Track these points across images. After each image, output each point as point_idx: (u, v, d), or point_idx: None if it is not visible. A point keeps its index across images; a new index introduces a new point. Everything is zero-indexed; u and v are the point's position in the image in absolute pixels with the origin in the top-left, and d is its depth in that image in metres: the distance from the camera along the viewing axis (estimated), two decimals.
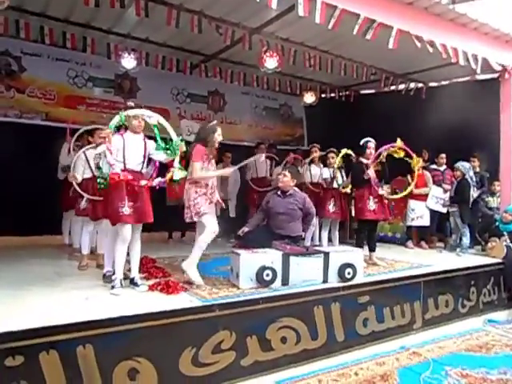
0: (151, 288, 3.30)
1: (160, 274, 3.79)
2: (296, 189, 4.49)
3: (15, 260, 4.45)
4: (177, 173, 3.31)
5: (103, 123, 4.04)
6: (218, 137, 3.60)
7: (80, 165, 4.15)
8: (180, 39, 5.95)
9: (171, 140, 3.38)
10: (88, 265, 4.21)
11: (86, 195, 4.07)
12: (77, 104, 6.49)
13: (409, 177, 6.25)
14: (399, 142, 4.69)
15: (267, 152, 6.68)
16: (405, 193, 5.04)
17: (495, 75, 5.95)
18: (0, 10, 3.88)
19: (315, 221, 5.50)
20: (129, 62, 5.75)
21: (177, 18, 4.74)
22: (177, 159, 3.38)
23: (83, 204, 4.19)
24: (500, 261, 5.12)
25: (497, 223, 5.52)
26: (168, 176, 3.34)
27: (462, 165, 5.84)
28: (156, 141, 3.41)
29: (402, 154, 4.72)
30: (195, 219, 3.47)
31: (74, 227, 5.07)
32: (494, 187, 6.30)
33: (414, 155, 4.84)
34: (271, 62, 5.47)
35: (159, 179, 3.35)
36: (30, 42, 5.82)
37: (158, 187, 3.38)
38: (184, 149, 3.40)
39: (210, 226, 3.45)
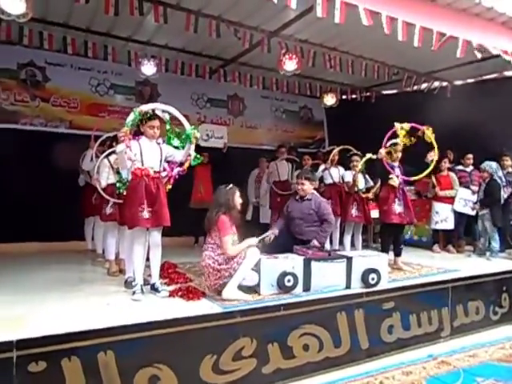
0: (172, 294, 3.28)
1: (181, 280, 3.78)
2: (315, 193, 4.42)
3: (39, 266, 4.53)
4: (194, 160, 3.37)
5: None
6: (239, 199, 3.42)
7: (104, 171, 4.20)
8: (199, 44, 5.99)
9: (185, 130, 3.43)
10: (118, 270, 4.20)
11: (111, 199, 4.10)
12: (99, 112, 6.62)
13: (433, 178, 6.10)
14: (398, 126, 4.47)
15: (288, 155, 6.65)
16: (423, 174, 4.63)
17: None
18: (23, 21, 3.97)
19: (337, 224, 5.41)
20: (149, 68, 5.82)
21: (195, 23, 4.77)
22: (192, 146, 3.39)
23: (109, 209, 4.23)
24: None
25: None
26: (186, 164, 3.38)
27: (489, 165, 5.61)
28: (169, 139, 3.45)
29: (407, 140, 4.51)
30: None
31: (97, 232, 5.15)
32: None
33: (423, 127, 4.54)
34: (290, 65, 5.41)
35: (178, 169, 3.38)
36: (54, 52, 5.98)
37: (174, 178, 3.41)
38: (198, 135, 3.41)
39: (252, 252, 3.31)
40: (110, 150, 4.23)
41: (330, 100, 7.61)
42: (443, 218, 6.06)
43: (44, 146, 5.71)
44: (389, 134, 4.54)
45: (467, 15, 4.57)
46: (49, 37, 5.46)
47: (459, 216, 6.06)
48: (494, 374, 3.35)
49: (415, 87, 7.38)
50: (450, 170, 6.28)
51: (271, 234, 4.15)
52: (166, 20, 4.62)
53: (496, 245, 5.52)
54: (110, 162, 4.21)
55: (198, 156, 3.43)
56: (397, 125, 4.47)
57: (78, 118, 6.42)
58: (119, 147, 3.14)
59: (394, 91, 8.09)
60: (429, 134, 4.48)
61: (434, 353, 3.72)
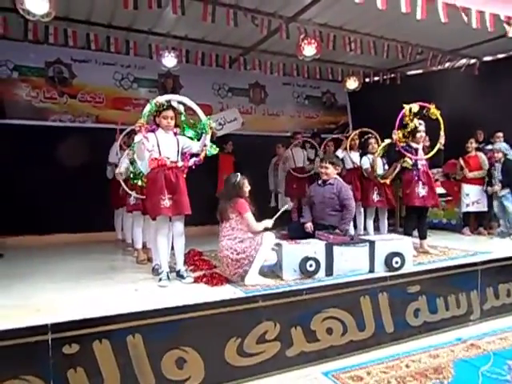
0: (196, 280, 3.37)
1: (206, 267, 3.87)
2: (338, 178, 4.39)
3: (71, 256, 4.76)
4: (210, 149, 3.41)
5: None
6: (247, 188, 3.47)
7: (125, 162, 4.32)
8: (218, 34, 6.00)
9: (200, 121, 3.48)
10: (146, 258, 4.33)
11: (131, 193, 4.23)
12: (124, 105, 6.78)
13: (461, 159, 5.93)
14: (407, 108, 4.38)
15: (311, 140, 6.62)
16: (431, 153, 4.47)
17: None
18: (48, 20, 4.11)
19: (361, 209, 5.37)
20: (170, 60, 5.90)
21: (212, 12, 4.79)
22: (208, 137, 3.44)
23: (133, 199, 4.37)
24: None
25: None
26: (202, 154, 3.43)
27: (501, 145, 5.50)
28: (184, 130, 3.51)
29: (415, 122, 4.39)
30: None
31: (126, 223, 5.33)
32: None
33: (431, 106, 4.42)
34: (309, 50, 5.36)
35: (194, 159, 3.44)
36: (79, 49, 6.16)
37: (193, 166, 3.48)
38: (214, 125, 3.47)
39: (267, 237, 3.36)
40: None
41: (352, 84, 7.48)
42: (474, 199, 5.89)
43: (73, 140, 5.91)
44: (400, 116, 4.45)
45: None
46: (73, 34, 5.62)
47: (490, 197, 5.87)
48: None
49: (441, 66, 7.13)
50: (479, 149, 6.07)
51: (287, 207, 4.12)
52: (184, 11, 4.66)
53: None
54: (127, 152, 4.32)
55: (214, 146, 3.47)
56: (405, 106, 4.38)
57: (104, 113, 6.60)
58: (136, 138, 3.23)
59: (420, 71, 7.84)
60: (434, 111, 4.36)
61: (463, 336, 3.66)
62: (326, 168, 4.25)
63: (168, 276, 3.35)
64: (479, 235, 5.82)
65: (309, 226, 4.23)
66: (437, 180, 5.99)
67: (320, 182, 4.33)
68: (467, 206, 5.93)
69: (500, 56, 7.02)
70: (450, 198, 6.29)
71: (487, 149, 6.10)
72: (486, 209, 5.86)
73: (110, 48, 6.00)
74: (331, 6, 4.83)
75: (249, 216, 3.34)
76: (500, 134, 5.99)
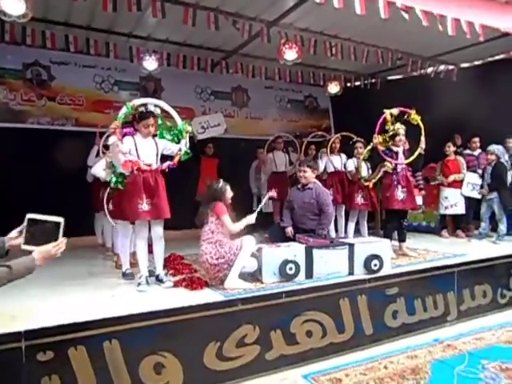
0: (176, 284, 3.36)
1: (186, 271, 3.86)
2: (317, 182, 4.42)
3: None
4: (184, 154, 3.43)
5: None
6: (229, 194, 3.50)
7: (101, 163, 4.28)
8: (199, 37, 5.99)
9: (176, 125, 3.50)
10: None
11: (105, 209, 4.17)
12: (105, 108, 6.70)
13: (439, 163, 6.06)
14: (387, 112, 4.48)
15: (295, 140, 6.68)
16: (411, 158, 4.55)
17: None
18: (24, 21, 4.04)
19: (342, 213, 5.42)
20: (151, 63, 5.86)
21: (193, 16, 4.78)
22: (184, 141, 3.44)
23: (111, 204, 4.30)
24: None
25: None
26: (176, 158, 3.43)
27: (496, 147, 5.53)
28: (161, 134, 3.50)
29: (395, 126, 4.50)
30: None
31: (106, 227, 5.25)
32: None
33: (411, 110, 4.53)
34: (290, 54, 5.39)
35: (168, 162, 3.43)
36: (58, 51, 6.06)
37: (167, 170, 3.46)
38: (190, 129, 3.48)
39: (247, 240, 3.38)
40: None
41: (333, 88, 7.55)
42: (453, 202, 6.00)
43: (51, 143, 5.82)
44: (380, 120, 4.53)
45: None
46: (51, 36, 5.53)
47: (468, 200, 6.00)
48: (501, 356, 3.35)
49: (421, 71, 7.27)
50: (457, 153, 6.20)
51: (269, 196, 4.13)
52: (164, 15, 4.64)
53: (504, 228, 5.46)
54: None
55: (188, 151, 3.47)
56: (386, 111, 4.46)
57: (84, 115, 6.52)
58: (110, 140, 3.20)
59: (400, 76, 7.98)
60: (415, 117, 4.47)
61: (440, 337, 3.73)
62: (305, 172, 4.27)
63: (147, 280, 3.32)
64: (457, 237, 5.94)
65: (289, 230, 4.25)
66: (421, 189, 6.06)
67: (299, 186, 4.35)
68: (446, 208, 6.05)
69: (476, 63, 7.20)
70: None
71: (465, 153, 6.24)
72: (463, 211, 5.98)
73: (90, 50, 5.93)
74: (312, 11, 4.87)
75: (226, 218, 3.35)
76: (476, 139, 6.14)
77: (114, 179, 3.43)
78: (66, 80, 6.37)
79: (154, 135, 3.46)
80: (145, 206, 3.21)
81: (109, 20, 5.34)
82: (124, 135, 3.29)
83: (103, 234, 5.53)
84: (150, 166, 3.28)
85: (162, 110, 3.51)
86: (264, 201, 3.91)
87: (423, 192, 6.00)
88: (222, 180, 3.52)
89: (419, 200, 5.46)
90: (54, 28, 5.47)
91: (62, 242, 1.87)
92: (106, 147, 4.81)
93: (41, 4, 4.70)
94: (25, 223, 1.86)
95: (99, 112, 6.60)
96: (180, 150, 3.40)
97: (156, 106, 3.44)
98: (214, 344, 2.81)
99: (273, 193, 4.02)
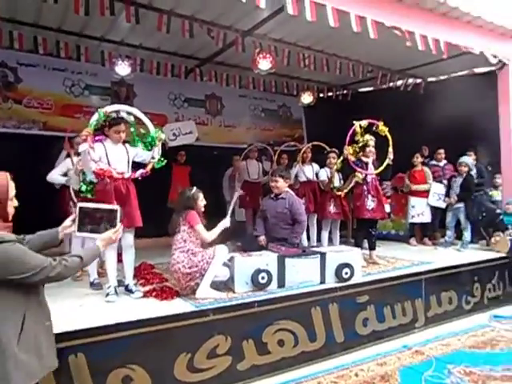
0: (146, 294, 3.29)
1: (157, 280, 3.78)
2: (290, 191, 4.45)
3: None
4: (157, 162, 3.40)
5: None
6: (201, 202, 3.43)
7: (64, 168, 4.19)
8: (173, 44, 5.96)
9: (149, 133, 3.45)
10: (82, 275, 4.06)
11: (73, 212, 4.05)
12: (74, 113, 6.52)
13: (407, 173, 6.25)
14: (357, 124, 4.60)
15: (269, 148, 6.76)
16: (380, 169, 4.70)
17: (493, 68, 5.88)
18: None
19: (314, 221, 5.48)
20: (123, 68, 5.76)
21: (168, 23, 4.74)
22: (156, 149, 3.41)
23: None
24: (504, 255, 5.03)
25: (501, 216, 5.44)
26: (149, 166, 3.39)
27: (469, 160, 5.76)
28: (133, 141, 3.45)
29: (365, 137, 4.62)
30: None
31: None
32: (495, 180, 6.23)
33: (379, 122, 4.67)
34: (264, 64, 5.44)
35: (141, 170, 3.38)
36: (25, 53, 5.86)
37: (140, 178, 3.41)
38: (163, 137, 3.45)
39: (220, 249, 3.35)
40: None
41: (307, 98, 7.67)
42: (419, 211, 6.18)
43: (17, 148, 5.61)
44: (350, 132, 4.64)
45: (434, 14, 4.70)
46: (19, 37, 5.35)
47: (434, 209, 6.20)
48: (466, 360, 3.46)
49: (390, 84, 7.50)
50: (424, 164, 6.41)
51: (238, 195, 4.13)
52: (138, 20, 4.58)
53: (468, 236, 5.67)
54: (73, 163, 4.18)
55: (162, 159, 3.43)
56: (355, 123, 4.57)
57: (53, 120, 6.32)
58: (81, 147, 3.12)
59: (370, 89, 8.20)
60: (383, 128, 4.61)
61: (409, 343, 3.82)
62: (276, 181, 4.28)
63: (116, 291, 3.23)
64: (424, 245, 6.11)
65: (262, 239, 4.24)
66: (388, 197, 6.22)
67: (272, 195, 4.36)
68: (413, 217, 6.22)
69: (442, 77, 7.51)
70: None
71: (431, 163, 6.46)
72: (429, 220, 6.17)
73: (60, 53, 5.77)
74: (286, 22, 4.94)
75: (200, 227, 3.31)
76: (441, 151, 6.37)
77: (83, 187, 3.33)
78: (33, 83, 6.17)
79: (125, 142, 3.39)
80: None
81: (80, 23, 5.23)
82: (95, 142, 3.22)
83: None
84: (122, 174, 3.22)
85: (135, 117, 3.46)
86: (233, 201, 3.87)
87: (389, 200, 6.14)
88: (195, 187, 3.48)
89: (387, 208, 5.60)
90: (22, 29, 5.29)
91: (120, 227, 2.01)
92: (78, 155, 4.71)
93: (8, 3, 4.56)
94: (77, 212, 2.01)
95: (68, 116, 6.42)
96: (153, 157, 3.35)
97: (129, 113, 3.38)
98: (185, 355, 2.76)
99: (240, 192, 4.02)
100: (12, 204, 1.75)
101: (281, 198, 4.28)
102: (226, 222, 3.47)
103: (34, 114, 6.21)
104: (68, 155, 4.51)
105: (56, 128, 6.17)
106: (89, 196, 3.35)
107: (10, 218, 1.76)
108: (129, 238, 3.32)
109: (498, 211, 5.77)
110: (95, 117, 3.21)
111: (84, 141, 3.09)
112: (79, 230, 1.99)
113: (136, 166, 3.47)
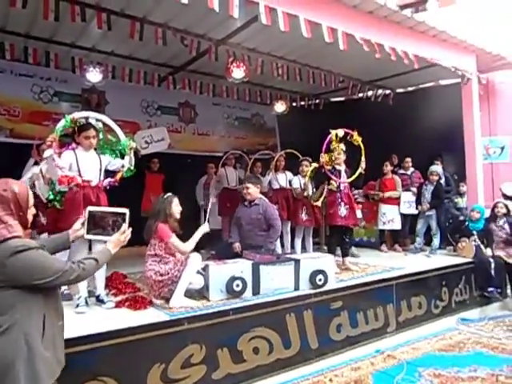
0: (118, 305, 3.22)
1: (129, 290, 3.70)
2: (263, 198, 4.48)
3: None
4: (126, 171, 3.37)
5: None
6: (177, 207, 3.38)
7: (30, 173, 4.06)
8: (146, 52, 5.91)
9: (119, 141, 3.42)
10: None
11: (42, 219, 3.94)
12: (43, 120, 6.33)
13: (378, 181, 6.41)
14: (333, 133, 4.71)
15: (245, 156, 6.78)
16: (353, 177, 4.77)
17: (458, 80, 6.14)
18: None
19: (287, 229, 5.52)
20: (94, 75, 5.66)
21: (140, 30, 4.71)
22: (127, 158, 3.37)
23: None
24: (470, 260, 5.22)
25: (466, 223, 5.65)
26: (118, 175, 3.34)
27: (439, 169, 5.96)
28: (101, 148, 3.40)
29: (341, 147, 4.74)
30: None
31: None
32: (461, 188, 6.49)
33: (353, 132, 4.78)
34: (238, 73, 5.49)
35: (109, 179, 3.33)
36: None
37: (108, 187, 3.37)
38: (134, 145, 3.41)
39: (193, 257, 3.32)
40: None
41: (280, 107, 7.77)
42: (390, 218, 6.34)
43: None
44: (326, 140, 4.73)
45: (402, 27, 4.88)
46: None
47: (404, 217, 6.37)
48: (435, 363, 3.57)
49: (360, 95, 7.71)
50: (394, 172, 6.60)
51: (212, 202, 4.13)
52: (110, 27, 4.53)
53: (437, 242, 5.86)
54: (41, 170, 4.06)
55: (132, 168, 3.39)
56: (332, 131, 4.68)
57: (20, 127, 6.12)
58: (46, 153, 3.05)
59: (342, 98, 8.40)
60: (357, 138, 4.72)
61: (381, 348, 3.89)
62: (247, 188, 4.30)
63: (86, 301, 3.14)
64: (395, 251, 6.26)
65: (237, 245, 4.25)
66: (359, 203, 6.35)
67: (246, 202, 4.38)
68: (384, 224, 6.38)
69: (410, 89, 7.79)
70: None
71: (400, 172, 6.66)
72: (399, 227, 6.34)
73: (28, 59, 5.63)
74: (259, 32, 5.00)
75: (174, 241, 3.24)
76: (408, 159, 6.58)
77: (51, 196, 3.24)
78: (0, 88, 5.98)
79: (96, 149, 3.33)
80: None
81: (50, 29, 5.11)
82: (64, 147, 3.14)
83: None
84: (89, 181, 3.14)
85: (105, 125, 3.41)
86: (209, 209, 3.84)
87: (360, 206, 6.26)
88: (170, 193, 3.44)
89: (358, 214, 5.70)
90: None
91: (128, 230, 2.06)
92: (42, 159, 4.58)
93: None
94: (86, 215, 2.06)
95: (37, 124, 6.23)
96: (123, 166, 3.30)
97: (98, 120, 3.32)
98: (159, 366, 2.71)
99: (214, 200, 4.01)
100: (31, 212, 1.82)
101: (254, 205, 4.30)
102: (205, 227, 3.43)
103: (1, 120, 6.01)
104: (36, 163, 4.37)
105: (23, 135, 5.98)
106: (57, 205, 3.26)
107: (29, 225, 1.83)
108: (99, 247, 3.24)
109: (462, 218, 6.01)
110: (61, 123, 3.15)
111: (49, 146, 3.01)
112: (88, 232, 2.04)
113: (108, 174, 3.41)
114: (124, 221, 2.04)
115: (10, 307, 1.62)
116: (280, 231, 4.44)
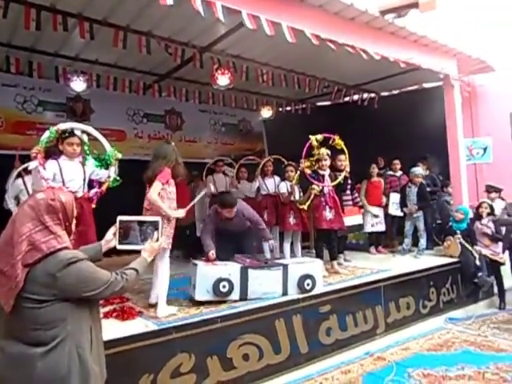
0: (106, 315, 3.18)
1: (117, 300, 3.65)
2: (238, 204, 4.35)
3: None
4: (113, 181, 3.36)
5: None
6: (180, 159, 3.44)
7: (13, 191, 4.03)
8: (131, 60, 5.90)
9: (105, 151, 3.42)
10: None
11: None
12: (27, 130, 6.29)
13: (365, 183, 6.46)
14: (313, 138, 4.76)
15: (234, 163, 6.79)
16: (337, 181, 4.83)
17: (440, 83, 6.25)
18: None
19: (276, 234, 5.53)
20: (78, 84, 5.64)
21: (124, 39, 4.70)
22: (112, 168, 3.37)
23: None
24: (456, 260, 5.29)
25: (450, 223, 5.72)
26: (104, 186, 3.34)
27: (419, 170, 6.03)
28: (86, 160, 3.39)
29: (320, 150, 4.79)
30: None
31: None
32: (448, 189, 6.57)
33: (335, 136, 4.85)
34: (223, 80, 5.50)
35: (95, 189, 3.32)
36: None
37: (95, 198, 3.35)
38: (119, 156, 3.40)
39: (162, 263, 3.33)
40: (21, 168, 4.07)
41: (266, 113, 7.82)
42: (377, 220, 6.39)
43: None
44: (307, 146, 4.78)
45: (384, 33, 4.95)
46: None
47: (391, 218, 6.43)
48: (423, 363, 3.61)
49: (346, 99, 7.79)
50: (380, 175, 6.66)
51: (204, 192, 4.12)
52: (93, 36, 4.51)
53: (424, 243, 5.92)
54: (25, 183, 4.02)
55: (118, 178, 3.39)
56: (311, 137, 4.72)
57: (3, 137, 6.06)
58: (31, 164, 3.03)
59: (328, 103, 8.47)
60: (339, 142, 4.79)
61: (371, 350, 3.92)
62: (231, 212, 4.20)
63: None
64: (380, 254, 6.31)
65: (211, 253, 4.05)
66: (361, 207, 6.34)
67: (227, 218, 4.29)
68: (372, 226, 6.42)
69: (394, 92, 7.90)
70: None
71: (388, 174, 6.72)
72: (384, 229, 6.38)
73: (11, 68, 5.56)
74: (244, 39, 5.02)
75: (156, 184, 3.20)
76: (396, 161, 6.64)
77: None
78: None
79: (82, 158, 3.32)
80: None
81: (32, 38, 5.07)
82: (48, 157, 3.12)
83: None
84: (75, 193, 3.12)
85: (89, 135, 3.40)
86: (199, 197, 3.82)
87: (362, 210, 6.24)
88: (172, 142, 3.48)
89: (359, 219, 5.71)
90: None
91: (161, 238, 2.04)
92: (27, 171, 4.53)
93: None
94: (117, 225, 2.01)
95: (21, 134, 6.17)
96: (109, 176, 3.29)
97: (83, 131, 3.31)
98: (148, 376, 2.69)
99: (205, 191, 4.02)
100: (74, 222, 1.81)
101: (235, 217, 4.26)
102: (181, 213, 3.34)
103: None
104: (19, 175, 4.33)
105: (6, 146, 5.91)
106: None
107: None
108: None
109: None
110: (46, 134, 3.14)
111: (34, 158, 3.00)
112: (120, 243, 2.00)
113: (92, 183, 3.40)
114: (156, 229, 2.02)
115: (62, 320, 1.58)
116: (262, 221, 4.48)
